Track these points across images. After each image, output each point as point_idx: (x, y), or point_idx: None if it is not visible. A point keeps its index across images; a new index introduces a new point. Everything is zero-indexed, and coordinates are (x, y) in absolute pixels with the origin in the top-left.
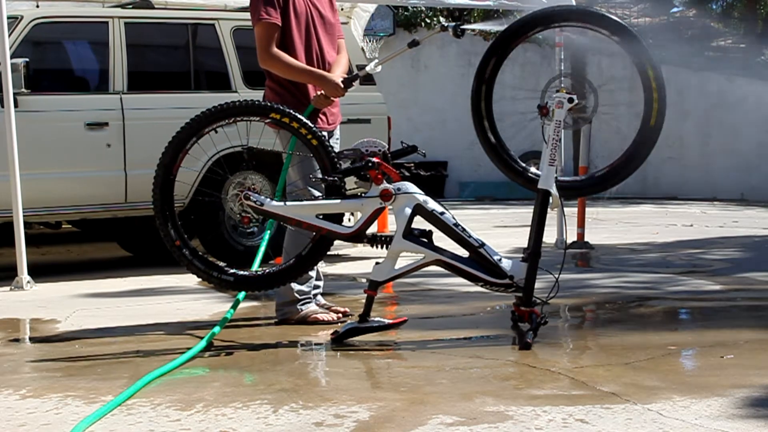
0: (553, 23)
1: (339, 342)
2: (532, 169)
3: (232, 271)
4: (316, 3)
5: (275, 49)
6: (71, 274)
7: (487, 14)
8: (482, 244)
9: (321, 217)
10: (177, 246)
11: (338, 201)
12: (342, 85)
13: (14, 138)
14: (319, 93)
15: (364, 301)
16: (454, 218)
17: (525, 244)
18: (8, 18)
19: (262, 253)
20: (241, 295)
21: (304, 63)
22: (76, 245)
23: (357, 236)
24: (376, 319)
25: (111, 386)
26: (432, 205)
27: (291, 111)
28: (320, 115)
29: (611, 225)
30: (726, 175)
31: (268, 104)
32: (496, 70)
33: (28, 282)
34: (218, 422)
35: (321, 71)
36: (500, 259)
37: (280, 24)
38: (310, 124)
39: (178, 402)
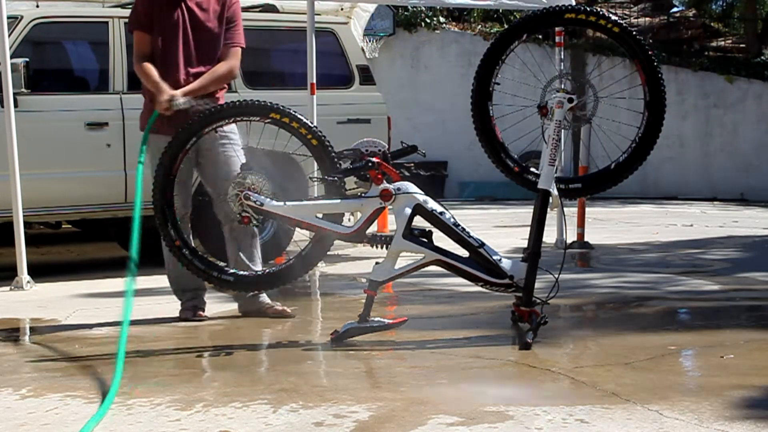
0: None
1: (339, 342)
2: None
3: (232, 271)
4: (197, 13)
5: (140, 57)
6: (71, 274)
7: (487, 14)
8: (482, 244)
9: (321, 216)
10: (177, 246)
11: (338, 201)
12: (169, 104)
13: (14, 138)
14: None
15: (364, 301)
16: (453, 218)
17: (525, 244)
18: (8, 18)
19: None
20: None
21: (156, 72)
22: (76, 245)
23: (357, 236)
24: (376, 319)
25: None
26: (432, 204)
27: (291, 111)
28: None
29: (611, 225)
30: (726, 175)
31: (268, 104)
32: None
33: (28, 282)
34: (218, 422)
35: (161, 83)
36: (500, 259)
37: (148, 34)
38: (310, 124)
39: (178, 402)
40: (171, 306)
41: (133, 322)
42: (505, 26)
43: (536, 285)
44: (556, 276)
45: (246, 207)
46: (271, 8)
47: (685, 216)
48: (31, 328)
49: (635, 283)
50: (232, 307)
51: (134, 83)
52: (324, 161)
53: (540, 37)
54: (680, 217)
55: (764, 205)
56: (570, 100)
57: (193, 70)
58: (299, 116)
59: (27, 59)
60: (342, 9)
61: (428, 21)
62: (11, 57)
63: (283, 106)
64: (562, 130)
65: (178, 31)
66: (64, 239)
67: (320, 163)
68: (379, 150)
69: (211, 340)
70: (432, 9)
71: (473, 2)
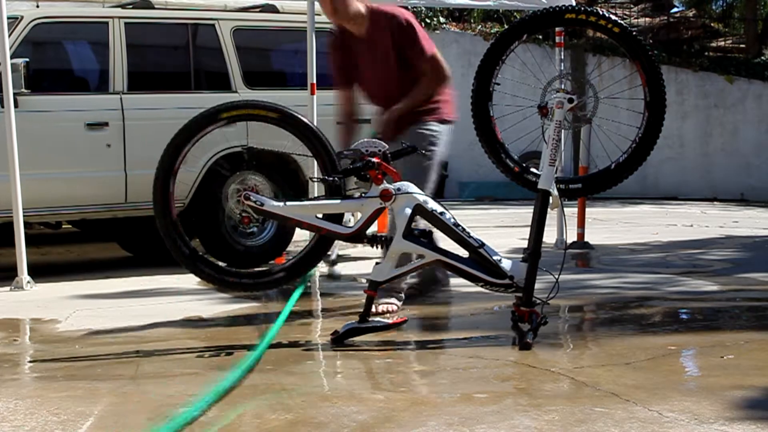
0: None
1: (339, 342)
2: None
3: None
4: (376, 50)
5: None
6: (71, 274)
7: (487, 14)
8: (482, 244)
9: (321, 217)
10: (177, 246)
11: (338, 201)
12: (383, 125)
13: (14, 138)
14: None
15: (364, 301)
16: (454, 218)
17: (525, 244)
18: (8, 18)
19: None
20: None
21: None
22: (76, 245)
23: (357, 236)
24: (376, 319)
25: (111, 386)
26: (432, 205)
27: (292, 111)
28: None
29: (611, 225)
30: (726, 175)
31: (269, 104)
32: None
33: (28, 282)
34: (218, 422)
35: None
36: (500, 260)
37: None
38: (310, 124)
39: (177, 401)
40: (171, 306)
41: (134, 322)
42: (505, 26)
43: (536, 285)
44: (557, 276)
45: (246, 207)
46: (271, 8)
47: (685, 216)
48: (31, 328)
49: (635, 284)
50: (233, 307)
51: (134, 83)
52: (324, 161)
53: (540, 37)
54: (680, 217)
55: (764, 205)
56: (570, 101)
57: (395, 106)
58: (299, 116)
59: (27, 59)
60: None
61: (428, 21)
62: (11, 57)
63: (283, 106)
64: (563, 131)
65: (367, 73)
66: (64, 239)
67: (320, 163)
68: (380, 150)
69: (212, 340)
70: (432, 9)
71: (473, 2)
